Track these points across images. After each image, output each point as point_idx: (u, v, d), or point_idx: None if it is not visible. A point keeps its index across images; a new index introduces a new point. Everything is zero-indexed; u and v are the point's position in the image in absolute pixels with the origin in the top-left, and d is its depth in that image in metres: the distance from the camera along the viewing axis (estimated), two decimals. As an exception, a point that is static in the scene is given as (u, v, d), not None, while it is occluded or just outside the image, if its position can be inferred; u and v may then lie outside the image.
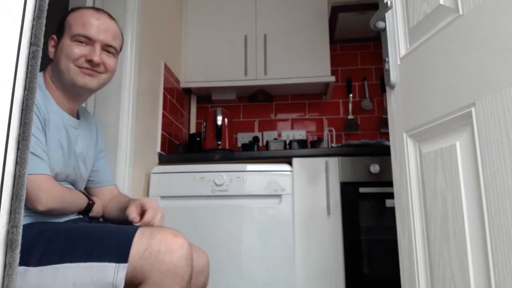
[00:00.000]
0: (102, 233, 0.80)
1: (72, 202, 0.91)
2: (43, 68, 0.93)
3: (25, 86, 0.44)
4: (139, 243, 0.76)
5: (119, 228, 0.82)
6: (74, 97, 0.97)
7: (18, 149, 0.42)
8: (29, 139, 0.44)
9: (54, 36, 0.95)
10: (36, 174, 0.80)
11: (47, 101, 0.89)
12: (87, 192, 1.11)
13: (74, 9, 0.98)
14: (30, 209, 0.82)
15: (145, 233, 0.78)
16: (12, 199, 0.42)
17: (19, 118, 0.43)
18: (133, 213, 0.92)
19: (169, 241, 0.77)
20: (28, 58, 0.44)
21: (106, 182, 1.12)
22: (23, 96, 0.43)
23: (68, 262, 0.74)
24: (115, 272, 0.73)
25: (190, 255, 0.79)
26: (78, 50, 0.91)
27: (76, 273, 0.73)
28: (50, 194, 0.82)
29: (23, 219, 0.80)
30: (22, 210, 0.42)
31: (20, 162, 0.42)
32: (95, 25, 0.93)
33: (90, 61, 0.91)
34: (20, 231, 0.42)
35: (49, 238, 0.77)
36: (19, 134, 0.43)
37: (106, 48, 0.95)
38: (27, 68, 0.44)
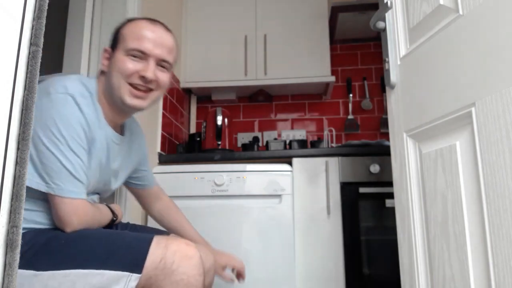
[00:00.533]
0: (117, 242, 0.80)
1: (99, 223, 0.91)
2: (43, 69, 0.92)
3: (25, 86, 0.44)
4: (155, 254, 0.77)
5: (135, 237, 0.82)
6: (122, 113, 0.94)
7: (18, 149, 0.42)
8: (29, 139, 0.44)
9: (108, 48, 0.92)
10: (74, 198, 0.80)
11: (97, 117, 0.87)
12: (133, 192, 1.19)
13: (129, 20, 0.93)
14: (52, 219, 0.82)
15: (161, 242, 0.79)
16: (12, 199, 0.42)
17: (19, 118, 0.43)
18: (228, 277, 1.14)
19: (182, 252, 0.78)
20: (28, 58, 0.44)
21: (151, 184, 1.19)
22: (23, 96, 0.43)
23: (81, 268, 0.74)
24: (126, 281, 0.74)
25: (201, 264, 0.80)
26: (132, 65, 0.87)
27: (86, 279, 0.73)
28: (82, 219, 0.82)
29: (36, 225, 0.80)
30: (22, 210, 0.42)
31: (20, 162, 0.42)
32: (150, 38, 0.88)
33: (143, 78, 0.87)
34: (20, 231, 0.42)
35: (63, 243, 0.78)
36: (19, 134, 0.43)
37: (160, 62, 0.90)
38: (27, 68, 0.44)
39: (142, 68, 0.87)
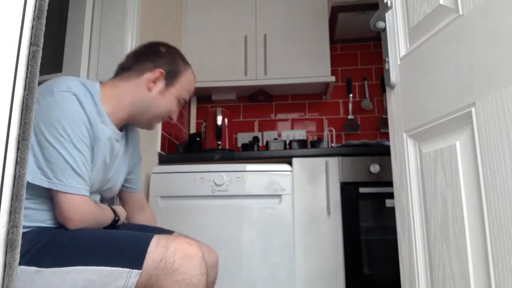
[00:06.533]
0: (117, 239, 0.80)
1: (101, 222, 0.92)
2: (43, 69, 0.92)
3: (25, 86, 0.44)
4: (155, 253, 0.77)
5: (135, 235, 0.82)
6: (132, 123, 1.03)
7: (18, 149, 0.42)
8: (29, 139, 0.44)
9: (164, 72, 0.98)
10: (76, 194, 0.80)
11: (99, 117, 0.89)
12: (121, 197, 1.17)
13: (188, 65, 1.10)
14: (56, 218, 0.83)
15: (161, 241, 0.79)
16: (12, 199, 0.42)
17: (19, 118, 0.43)
18: None
19: (183, 251, 0.78)
20: (28, 58, 0.44)
21: (137, 189, 1.17)
22: (23, 96, 0.43)
23: (81, 265, 0.74)
24: (127, 277, 0.74)
25: (203, 264, 0.80)
26: (176, 108, 1.04)
27: (87, 276, 0.73)
28: (84, 217, 0.82)
29: (40, 223, 0.81)
30: (22, 210, 0.42)
31: (20, 162, 0.42)
32: (191, 91, 1.09)
33: (170, 118, 1.05)
34: (20, 231, 0.42)
35: (65, 241, 0.78)
36: (19, 134, 0.43)
37: None
38: (27, 68, 0.44)
39: (175, 111, 1.05)
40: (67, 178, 0.79)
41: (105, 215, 0.93)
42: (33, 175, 0.78)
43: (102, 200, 1.03)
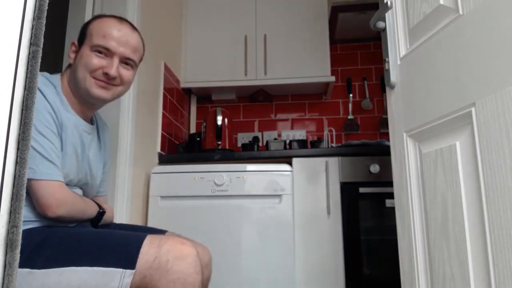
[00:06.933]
0: (110, 239, 0.80)
1: (82, 211, 0.91)
2: (43, 69, 0.93)
3: (25, 86, 0.44)
4: (148, 253, 0.76)
5: (128, 235, 0.82)
6: (89, 104, 0.98)
7: (18, 149, 0.42)
8: (29, 139, 0.44)
9: (75, 42, 0.96)
10: (49, 180, 0.80)
11: (63, 106, 0.90)
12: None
13: (96, 17, 0.97)
14: (40, 214, 0.82)
15: (154, 241, 0.79)
16: (12, 199, 0.42)
17: (19, 118, 0.43)
18: None
19: (177, 250, 0.78)
20: (28, 58, 0.44)
21: (103, 192, 1.14)
22: (23, 96, 0.43)
23: (74, 266, 0.74)
24: (121, 277, 0.74)
25: (198, 263, 0.79)
26: (97, 61, 0.91)
27: (81, 277, 0.73)
28: (62, 201, 0.82)
29: (32, 223, 0.80)
30: (22, 210, 0.42)
31: (20, 162, 0.42)
32: (116, 36, 0.92)
33: (106, 74, 0.91)
34: (20, 231, 0.42)
35: (57, 242, 0.78)
36: (19, 134, 0.43)
37: (124, 60, 0.95)
38: (27, 68, 0.44)
39: (106, 64, 0.91)
40: (37, 166, 0.79)
41: (86, 204, 0.93)
42: None
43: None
